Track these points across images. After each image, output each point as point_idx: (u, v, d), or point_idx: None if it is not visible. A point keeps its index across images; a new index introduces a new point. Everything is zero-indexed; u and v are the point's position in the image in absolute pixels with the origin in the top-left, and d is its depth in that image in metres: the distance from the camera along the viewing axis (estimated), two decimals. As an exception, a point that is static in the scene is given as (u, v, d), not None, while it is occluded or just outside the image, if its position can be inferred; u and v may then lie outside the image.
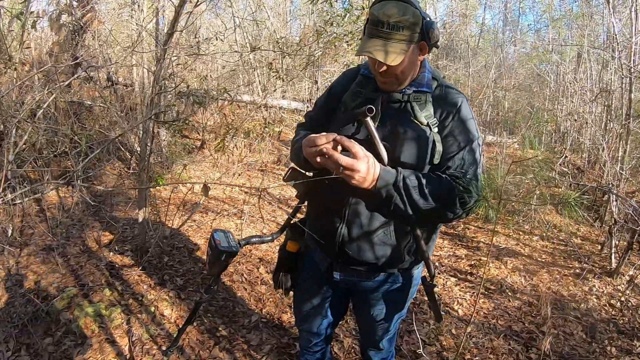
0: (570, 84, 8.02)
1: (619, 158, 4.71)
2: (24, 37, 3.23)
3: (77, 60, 3.87)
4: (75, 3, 5.25)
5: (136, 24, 5.67)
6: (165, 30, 3.28)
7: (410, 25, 1.39)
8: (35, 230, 3.77)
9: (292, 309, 2.23)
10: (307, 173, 1.75)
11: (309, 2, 5.87)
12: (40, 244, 3.58)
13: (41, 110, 2.49)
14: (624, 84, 5.20)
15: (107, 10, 7.05)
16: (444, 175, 1.47)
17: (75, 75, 3.54)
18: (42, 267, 3.28)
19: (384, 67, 1.43)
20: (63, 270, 3.27)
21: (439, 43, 1.48)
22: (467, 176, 1.47)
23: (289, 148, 1.88)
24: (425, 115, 1.50)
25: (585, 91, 7.35)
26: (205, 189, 1.28)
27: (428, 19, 1.43)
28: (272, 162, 7.19)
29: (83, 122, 5.20)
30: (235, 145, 6.71)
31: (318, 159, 1.43)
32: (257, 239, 1.89)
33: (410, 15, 1.38)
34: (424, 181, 1.45)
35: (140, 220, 3.51)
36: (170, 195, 4.73)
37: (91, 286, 3.12)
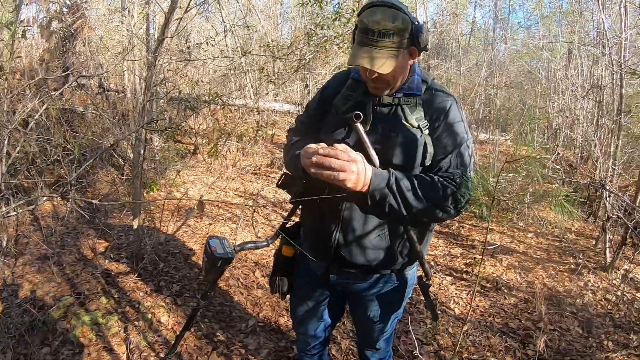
0: (561, 80, 8.05)
1: (611, 153, 4.74)
2: (14, 46, 3.22)
3: (69, 72, 3.86)
4: (65, 10, 5.24)
5: (127, 29, 5.66)
6: (156, 36, 3.28)
7: (400, 31, 1.40)
8: (29, 239, 3.75)
9: (289, 313, 2.23)
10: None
11: (299, 4, 5.88)
12: (35, 253, 3.57)
13: (34, 121, 2.48)
14: (614, 80, 5.24)
15: (97, 17, 7.04)
16: (435, 177, 1.49)
17: (67, 85, 3.53)
18: (38, 277, 3.27)
19: (376, 74, 1.44)
20: (59, 279, 3.26)
21: (428, 46, 1.49)
22: (458, 177, 1.49)
23: (282, 152, 1.88)
24: (416, 117, 1.51)
25: (577, 87, 7.37)
26: (201, 205, 1.29)
27: (417, 23, 1.44)
28: (265, 166, 7.19)
29: (75, 130, 5.19)
30: (229, 149, 6.71)
31: (312, 170, 1.44)
32: (252, 245, 1.89)
33: (400, 21, 1.39)
34: (416, 182, 1.46)
35: (135, 227, 3.51)
36: (164, 202, 4.72)
37: (87, 294, 3.11)
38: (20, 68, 4.55)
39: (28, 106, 2.64)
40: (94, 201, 1.40)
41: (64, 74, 4.36)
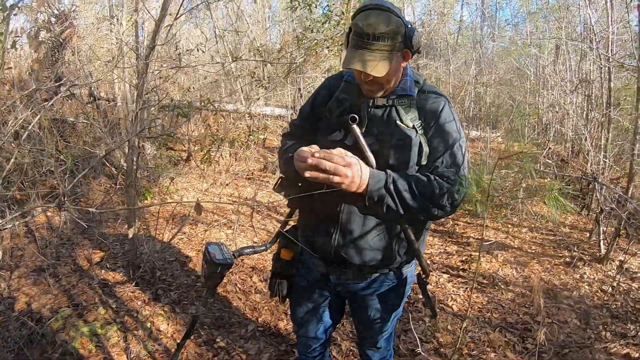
0: (550, 76, 8.11)
1: (602, 146, 4.78)
2: (4, 57, 3.20)
3: (61, 82, 3.84)
4: (53, 19, 5.21)
5: (116, 38, 5.64)
6: (146, 44, 3.28)
7: (394, 34, 1.42)
8: (24, 251, 3.73)
9: (290, 315, 2.24)
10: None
11: (289, 8, 5.89)
12: (31, 266, 3.55)
13: (26, 132, 2.46)
14: (603, 73, 5.28)
15: (86, 25, 7.02)
16: (431, 176, 1.50)
17: (59, 95, 3.51)
18: (34, 289, 3.25)
19: (370, 77, 1.45)
20: (55, 291, 3.24)
21: (420, 48, 1.51)
22: (453, 175, 1.50)
23: (275, 156, 1.88)
24: (411, 118, 1.53)
25: (565, 82, 7.42)
26: (198, 207, 1.28)
27: (410, 26, 1.46)
28: (258, 170, 7.18)
29: (67, 139, 5.16)
30: (221, 155, 6.70)
31: (307, 174, 1.44)
32: (250, 250, 1.89)
33: (394, 24, 1.41)
34: (413, 181, 1.47)
35: (130, 236, 3.49)
36: (159, 209, 4.70)
37: (85, 305, 3.09)
38: (10, 79, 4.52)
39: (19, 117, 2.63)
40: (90, 209, 1.40)
41: (56, 84, 4.33)
